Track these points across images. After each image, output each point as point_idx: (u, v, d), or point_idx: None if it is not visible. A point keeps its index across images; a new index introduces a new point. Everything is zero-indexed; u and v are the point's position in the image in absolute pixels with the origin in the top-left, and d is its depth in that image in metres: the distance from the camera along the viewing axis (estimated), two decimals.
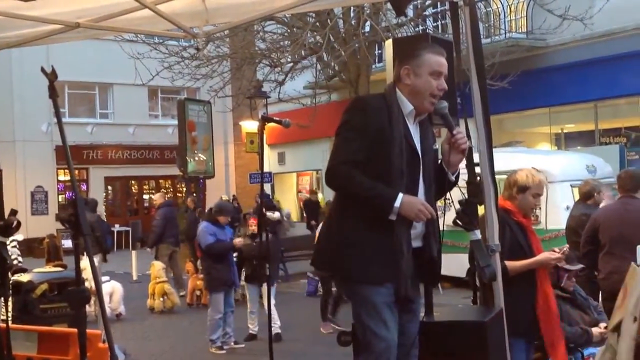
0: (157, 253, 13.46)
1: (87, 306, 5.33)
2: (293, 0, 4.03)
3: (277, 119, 4.90)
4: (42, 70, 2.34)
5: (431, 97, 3.32)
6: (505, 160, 10.21)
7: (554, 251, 4.57)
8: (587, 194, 7.35)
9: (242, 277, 9.43)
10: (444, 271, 13.29)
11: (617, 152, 13.93)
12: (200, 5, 4.09)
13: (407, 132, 3.29)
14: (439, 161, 3.47)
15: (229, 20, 4.59)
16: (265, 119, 5.20)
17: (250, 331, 9.14)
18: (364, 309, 3.25)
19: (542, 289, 4.50)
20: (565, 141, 16.78)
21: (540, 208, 10.41)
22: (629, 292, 2.34)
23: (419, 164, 3.32)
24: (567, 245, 4.95)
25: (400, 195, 3.14)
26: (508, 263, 4.38)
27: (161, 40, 13.71)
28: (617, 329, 2.91)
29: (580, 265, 5.41)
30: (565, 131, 16.95)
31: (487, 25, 15.72)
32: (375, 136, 3.19)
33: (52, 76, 2.27)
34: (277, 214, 15.30)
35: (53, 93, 2.29)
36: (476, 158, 4.16)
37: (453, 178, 3.46)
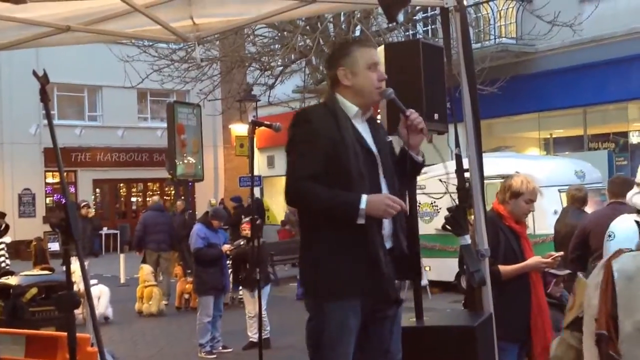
0: (144, 257, 13.39)
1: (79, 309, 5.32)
2: (281, 6, 4.04)
3: (268, 123, 4.89)
4: (34, 73, 2.33)
5: (376, 90, 3.26)
6: (494, 165, 10.26)
7: (548, 256, 4.58)
8: (583, 200, 7.37)
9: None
10: (433, 276, 13.37)
11: (605, 157, 14.03)
12: (188, 19, 4.12)
13: (358, 135, 3.19)
14: (401, 150, 3.36)
15: (218, 27, 4.60)
16: (256, 124, 5.20)
17: (250, 339, 8.82)
18: (327, 329, 3.09)
19: (535, 295, 4.51)
20: (554, 146, 16.87)
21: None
22: (586, 297, 2.76)
23: (377, 163, 3.22)
24: (562, 253, 4.94)
25: (364, 196, 3.03)
26: (500, 267, 4.39)
27: (151, 43, 13.67)
28: (569, 327, 3.59)
29: (568, 271, 5.42)
30: (554, 136, 17.04)
31: (477, 30, 15.78)
32: (327, 145, 3.08)
33: (43, 80, 2.26)
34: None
35: (45, 97, 2.28)
36: (465, 164, 4.17)
37: (420, 158, 3.35)
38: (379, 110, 3.65)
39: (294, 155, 3.14)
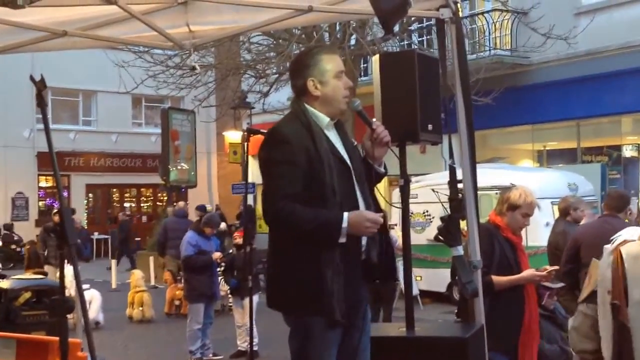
0: (133, 263, 13.41)
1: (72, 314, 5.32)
2: (277, 15, 4.04)
3: (263, 130, 4.89)
4: (31, 78, 2.33)
5: (344, 99, 3.24)
6: (487, 176, 10.28)
7: (543, 269, 4.57)
8: (564, 211, 7.43)
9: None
10: (424, 286, 13.36)
11: (598, 170, 14.06)
12: (184, 26, 4.12)
13: (332, 147, 3.16)
14: (363, 159, 3.33)
15: (214, 34, 4.61)
16: (251, 131, 5.21)
17: (239, 347, 8.88)
18: (311, 345, 3.06)
19: (528, 308, 4.50)
20: (547, 158, 16.90)
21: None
22: (600, 275, 3.51)
23: (351, 173, 3.19)
24: (557, 267, 4.94)
25: (345, 215, 2.98)
26: (494, 278, 4.38)
27: (146, 49, 13.67)
28: (584, 300, 4.35)
29: (561, 284, 5.43)
30: (547, 148, 17.08)
31: (472, 41, 15.85)
32: (305, 162, 3.03)
33: (40, 85, 2.26)
34: (223, 225, 15.21)
35: (41, 102, 2.28)
36: (459, 174, 4.17)
37: (382, 170, 3.34)
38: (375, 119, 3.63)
39: (274, 176, 3.06)
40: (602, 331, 3.38)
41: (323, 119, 3.20)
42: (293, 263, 3.07)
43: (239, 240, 9.26)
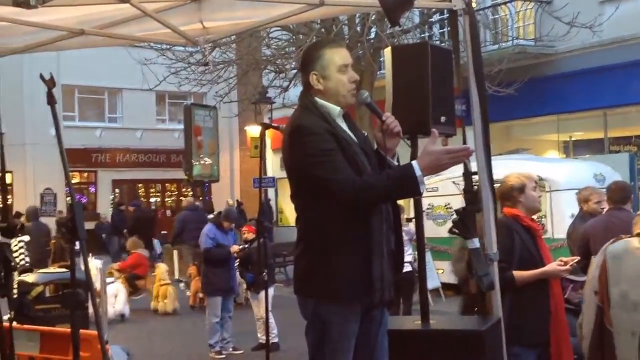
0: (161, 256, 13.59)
1: (90, 307, 5.39)
2: (289, 9, 4.06)
3: (276, 125, 4.91)
4: (41, 77, 2.39)
5: (349, 92, 3.20)
6: (512, 167, 10.15)
7: (562, 262, 4.52)
8: (578, 202, 7.38)
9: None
10: (446, 279, 13.25)
11: (627, 160, 13.82)
12: (197, 23, 4.16)
13: (348, 135, 3.18)
14: (375, 152, 3.30)
15: (227, 30, 4.65)
16: (265, 126, 5.23)
17: (260, 340, 8.82)
18: (328, 337, 3.04)
19: (554, 302, 4.44)
20: (573, 149, 16.72)
21: (546, 217, 10.34)
22: (589, 274, 3.66)
23: (371, 160, 3.19)
24: (578, 258, 4.88)
25: (414, 163, 2.96)
26: (516, 273, 4.33)
27: (168, 47, 13.79)
28: None
29: (586, 277, 5.35)
30: (573, 139, 16.90)
31: (494, 32, 15.71)
32: (337, 147, 3.04)
33: (50, 83, 2.32)
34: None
35: (51, 100, 2.34)
36: (474, 167, 4.14)
37: (395, 162, 3.29)
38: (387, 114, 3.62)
39: (323, 165, 3.01)
40: (585, 334, 3.29)
41: (333, 109, 3.19)
42: (316, 247, 3.05)
43: (248, 235, 9.28)
